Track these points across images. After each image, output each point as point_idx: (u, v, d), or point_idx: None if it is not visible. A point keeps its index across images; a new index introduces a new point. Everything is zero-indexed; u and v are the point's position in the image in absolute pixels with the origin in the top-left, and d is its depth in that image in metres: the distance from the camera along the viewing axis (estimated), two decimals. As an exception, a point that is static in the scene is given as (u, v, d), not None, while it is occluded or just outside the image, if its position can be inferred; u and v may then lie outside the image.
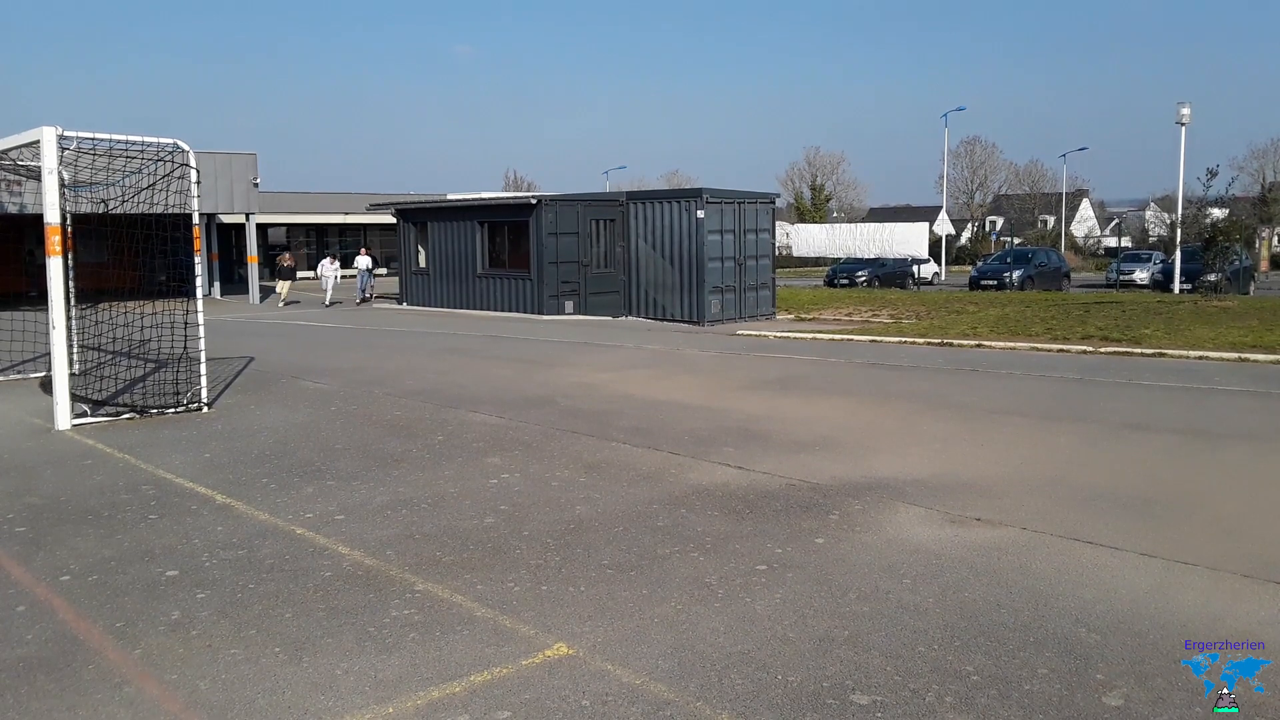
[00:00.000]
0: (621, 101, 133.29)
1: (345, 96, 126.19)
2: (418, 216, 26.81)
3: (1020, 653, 3.84)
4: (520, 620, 4.25)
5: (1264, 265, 40.47)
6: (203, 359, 9.90)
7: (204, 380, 9.93)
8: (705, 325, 20.14)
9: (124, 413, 9.51)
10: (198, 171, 9.63)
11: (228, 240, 37.44)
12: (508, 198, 32.52)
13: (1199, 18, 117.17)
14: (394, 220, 28.29)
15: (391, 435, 8.47)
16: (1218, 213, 24.29)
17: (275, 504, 6.25)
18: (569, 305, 22.58)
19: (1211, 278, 22.88)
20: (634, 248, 22.11)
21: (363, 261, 30.07)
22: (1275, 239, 54.27)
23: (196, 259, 9.93)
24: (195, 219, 9.72)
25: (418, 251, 26.77)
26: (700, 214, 20.35)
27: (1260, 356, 12.69)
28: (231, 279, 36.17)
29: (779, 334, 17.81)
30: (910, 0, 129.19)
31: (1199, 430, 8.34)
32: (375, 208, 31.51)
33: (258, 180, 30.74)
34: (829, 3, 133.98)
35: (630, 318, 22.07)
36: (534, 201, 23.04)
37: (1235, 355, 12.86)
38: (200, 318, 9.79)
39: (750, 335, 17.95)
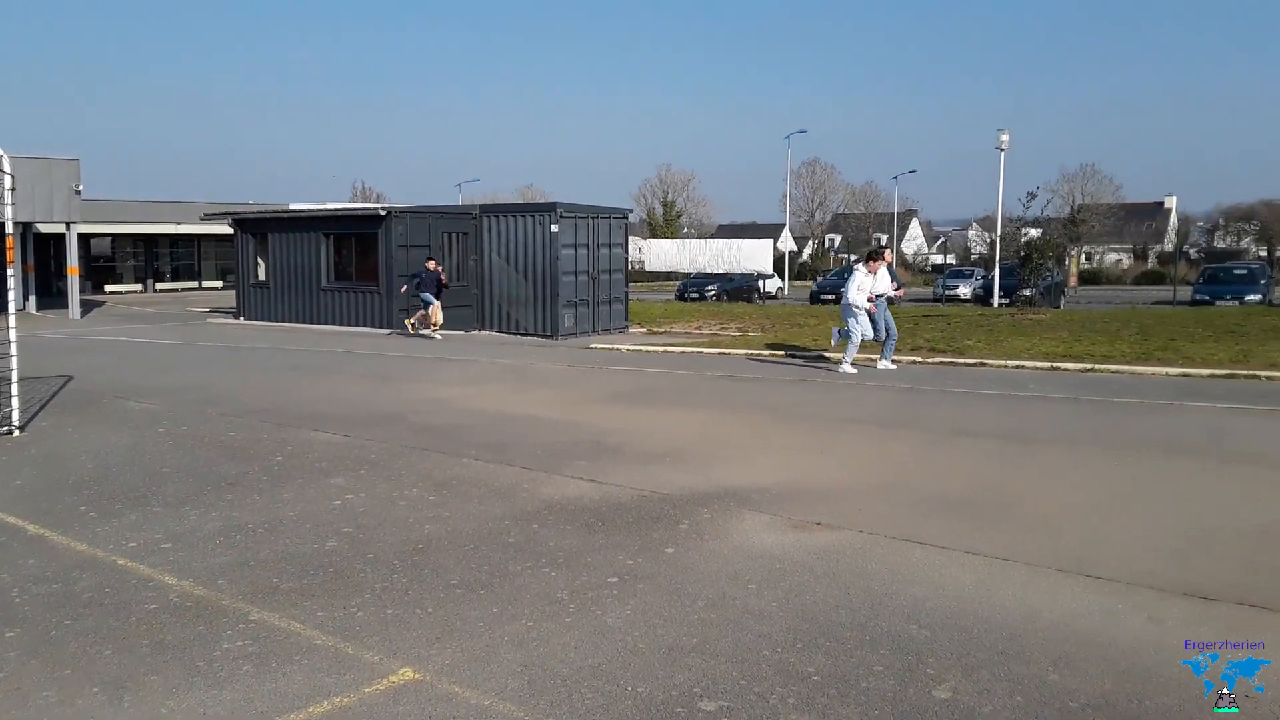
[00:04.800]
0: (475, 115, 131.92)
1: (177, 100, 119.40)
2: (257, 227, 25.66)
3: (857, 651, 4.01)
4: (364, 646, 4.12)
5: (1073, 281, 43.93)
6: (14, 378, 9.15)
7: (15, 401, 9.16)
8: (559, 339, 20.14)
9: (-82, 439, 8.64)
10: (12, 178, 8.92)
11: (45, 251, 34.68)
12: (355, 208, 31.61)
13: (1017, 50, 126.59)
14: (231, 231, 26.95)
15: (225, 457, 8.05)
16: (1033, 232, 26.20)
17: (95, 533, 5.82)
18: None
19: (1027, 293, 24.60)
20: (487, 261, 21.89)
21: (884, 281, 14.52)
22: (1083, 257, 59.11)
23: (9, 271, 9.22)
24: (9, 228, 8.99)
25: (257, 264, 25.61)
26: (554, 228, 20.37)
27: (1070, 365, 13.76)
28: (49, 292, 33.44)
29: (632, 347, 18.00)
30: (752, 25, 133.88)
31: (1017, 435, 8.96)
32: (210, 217, 30.02)
33: (80, 188, 28.62)
34: (678, 24, 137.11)
35: (483, 331, 21.81)
36: (383, 213, 22.46)
37: (1048, 365, 13.89)
38: (12, 334, 9.05)
39: (604, 349, 18.07)
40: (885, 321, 14.12)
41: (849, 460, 7.93)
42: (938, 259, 72.34)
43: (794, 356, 15.83)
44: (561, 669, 3.86)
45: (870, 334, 13.92)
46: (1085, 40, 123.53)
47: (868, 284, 14.00)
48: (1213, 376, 12.48)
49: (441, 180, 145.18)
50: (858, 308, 13.82)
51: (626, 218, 23.50)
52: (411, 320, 20.92)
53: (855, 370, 13.65)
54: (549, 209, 20.95)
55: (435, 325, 20.44)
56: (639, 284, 43.95)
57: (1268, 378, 12.16)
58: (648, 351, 17.37)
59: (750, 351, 16.58)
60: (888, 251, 15.06)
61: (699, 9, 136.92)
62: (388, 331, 21.43)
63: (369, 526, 5.94)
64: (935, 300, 37.07)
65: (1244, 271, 32.47)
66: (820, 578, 4.93)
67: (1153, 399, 10.78)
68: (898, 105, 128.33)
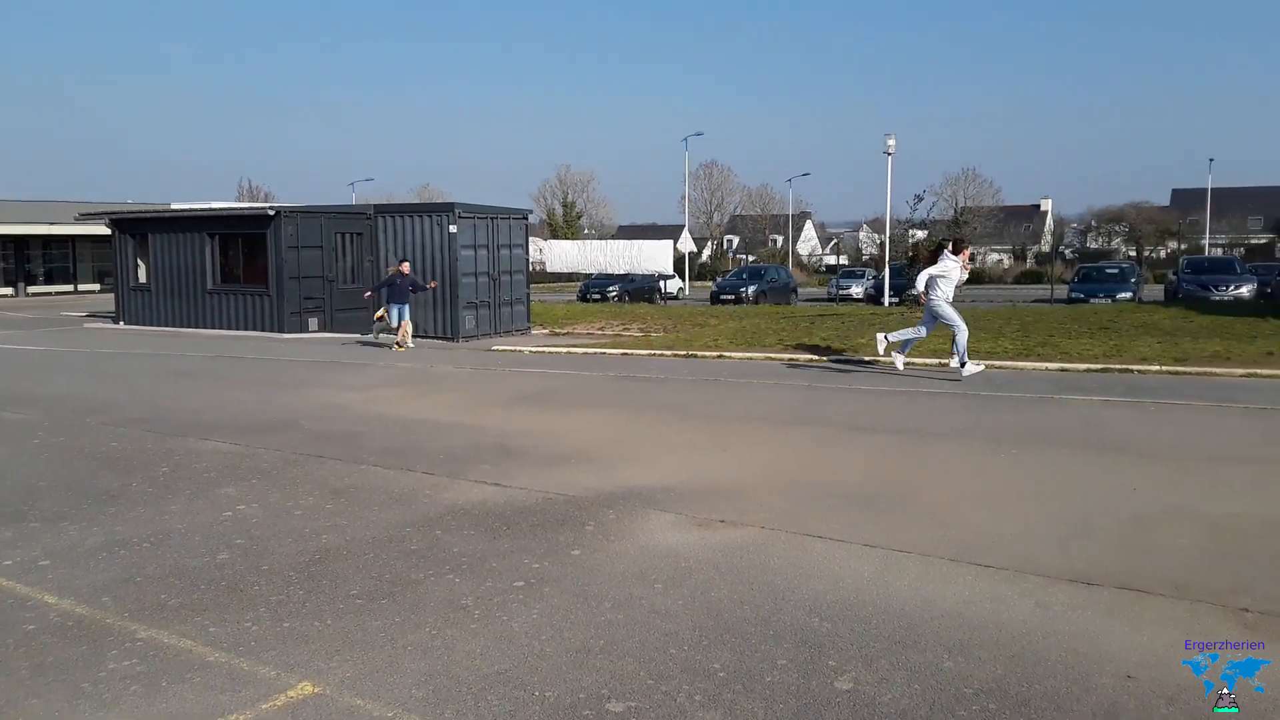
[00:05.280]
0: (369, 113, 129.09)
1: (51, 96, 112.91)
2: (137, 227, 24.52)
3: (762, 646, 4.07)
4: (259, 661, 3.97)
5: (959, 281, 45.65)
6: None
7: None
8: (460, 341, 19.86)
9: None
10: None
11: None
12: (242, 208, 30.54)
13: (903, 56, 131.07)
14: (108, 232, 25.66)
15: (108, 469, 7.65)
16: (920, 233, 27.12)
17: (-39, 554, 5.45)
18: (313, 322, 21.50)
19: (915, 292, 25.41)
20: (383, 263, 21.41)
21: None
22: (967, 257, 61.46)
23: None
24: None
25: (137, 266, 24.47)
26: (453, 229, 20.07)
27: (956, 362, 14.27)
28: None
29: (534, 349, 17.88)
30: (649, 27, 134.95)
31: (911, 430, 9.26)
32: (86, 217, 28.51)
33: (-62, 184, 26.83)
34: (580, 24, 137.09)
35: (381, 335, 21.33)
36: (272, 212, 21.73)
37: (936, 361, 14.39)
38: None
39: (506, 350, 17.90)
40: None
41: (751, 457, 8.06)
42: (831, 260, 74.32)
43: (691, 356, 15.99)
44: (467, 676, 3.81)
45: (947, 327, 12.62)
46: (965, 48, 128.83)
47: (955, 272, 12.59)
48: (1088, 371, 13.16)
49: (334, 180, 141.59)
50: (945, 289, 12.51)
51: (526, 218, 23.33)
52: (398, 338, 18.16)
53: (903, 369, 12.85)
54: (447, 209, 20.63)
55: (404, 337, 18.11)
56: (540, 285, 43.69)
57: (1139, 371, 12.88)
58: (550, 353, 17.29)
59: (653, 351, 16.67)
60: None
61: (597, 10, 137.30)
62: (363, 342, 19.01)
63: (263, 538, 5.74)
64: (830, 300, 38.07)
65: (1116, 271, 34.30)
66: (725, 575, 4.99)
67: (1034, 393, 11.29)
68: (791, 109, 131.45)
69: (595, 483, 7.03)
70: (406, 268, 18.53)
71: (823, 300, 38.83)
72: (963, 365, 12.41)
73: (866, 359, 14.94)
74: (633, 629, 4.27)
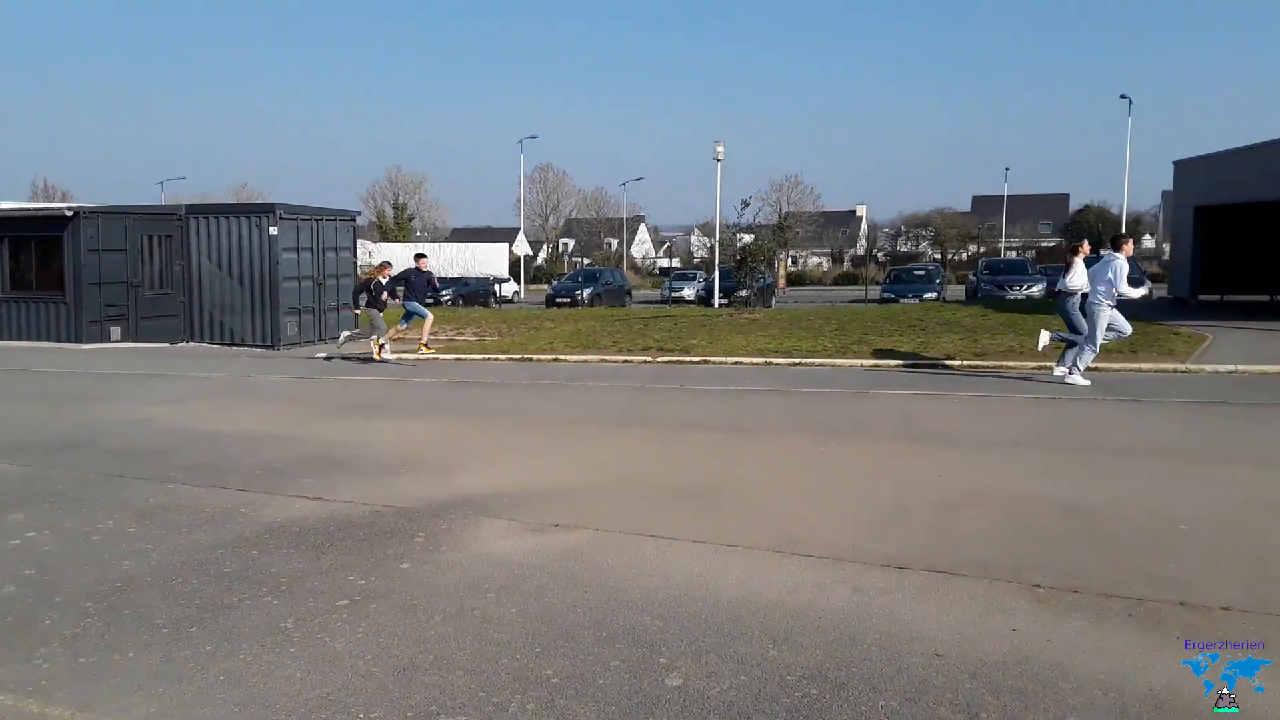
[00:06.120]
0: (181, 108, 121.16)
1: None
2: (-94, 229, 22.01)
3: (595, 649, 4.08)
4: (51, 702, 3.64)
5: (782, 283, 47.46)
6: None
7: None
8: (281, 349, 18.97)
9: None
10: None
11: None
12: (35, 208, 28.02)
13: (730, 64, 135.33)
14: None
15: None
16: (747, 237, 27.99)
17: None
18: (115, 331, 19.98)
19: (743, 294, 26.27)
20: (196, 266, 20.18)
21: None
22: (789, 260, 64.15)
23: None
24: None
25: (-94, 271, 21.95)
26: (273, 230, 19.15)
27: (780, 360, 14.87)
28: None
29: (363, 355, 17.28)
30: (480, 26, 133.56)
31: (737, 426, 9.55)
32: None
33: None
34: (406, 21, 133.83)
35: (193, 343, 20.09)
36: (69, 213, 20.03)
37: (762, 360, 14.93)
38: None
39: (331, 358, 17.20)
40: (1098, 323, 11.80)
41: (584, 460, 8.09)
42: (664, 262, 75.82)
43: (527, 359, 15.89)
44: (285, 703, 3.62)
45: (1125, 329, 11.89)
46: (787, 59, 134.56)
47: (1123, 271, 11.61)
48: (899, 367, 13.98)
49: (141, 179, 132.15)
50: (1120, 296, 11.64)
51: (354, 220, 22.57)
52: (380, 341, 16.26)
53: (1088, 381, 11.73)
54: (267, 210, 19.67)
55: (423, 344, 16.34)
56: (369, 289, 42.27)
57: (945, 367, 13.79)
58: (379, 360, 16.75)
59: (487, 356, 16.46)
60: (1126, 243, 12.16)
61: (426, 9, 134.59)
62: (326, 356, 17.11)
63: (55, 567, 5.27)
64: (663, 302, 38.85)
65: (922, 272, 36.73)
66: (558, 579, 4.97)
67: (851, 388, 11.89)
68: (626, 114, 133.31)
69: (426, 492, 6.87)
70: (425, 263, 16.86)
71: (656, 302, 39.55)
72: (1071, 372, 11.88)
73: (696, 359, 15.31)
74: (464, 641, 4.19)
